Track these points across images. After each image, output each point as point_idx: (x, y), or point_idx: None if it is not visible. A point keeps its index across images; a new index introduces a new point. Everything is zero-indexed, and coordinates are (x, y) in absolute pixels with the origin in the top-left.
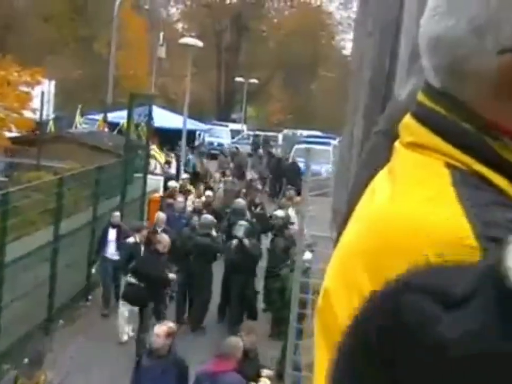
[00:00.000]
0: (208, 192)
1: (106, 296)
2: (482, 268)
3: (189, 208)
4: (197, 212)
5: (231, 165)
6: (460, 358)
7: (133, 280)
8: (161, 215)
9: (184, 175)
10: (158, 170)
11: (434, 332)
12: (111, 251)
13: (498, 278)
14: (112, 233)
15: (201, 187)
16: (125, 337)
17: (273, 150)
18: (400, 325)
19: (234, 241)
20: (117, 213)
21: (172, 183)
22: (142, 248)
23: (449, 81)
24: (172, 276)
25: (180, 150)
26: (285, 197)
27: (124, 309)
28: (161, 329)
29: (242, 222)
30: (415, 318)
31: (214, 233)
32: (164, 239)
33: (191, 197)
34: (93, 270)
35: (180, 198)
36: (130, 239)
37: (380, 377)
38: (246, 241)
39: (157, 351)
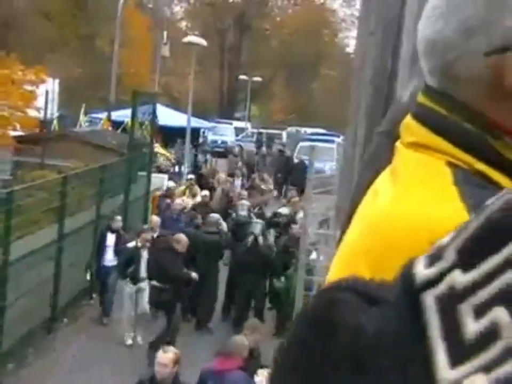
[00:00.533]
0: (205, 192)
1: (106, 304)
2: (398, 273)
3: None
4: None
5: (239, 164)
6: (373, 358)
7: (156, 283)
8: (155, 219)
9: (190, 176)
10: (170, 169)
11: (355, 318)
12: (109, 257)
13: (409, 283)
14: (110, 239)
15: (196, 187)
16: (130, 341)
17: (281, 148)
18: (329, 315)
19: (250, 239)
20: (119, 217)
21: (171, 183)
22: (143, 253)
23: (445, 83)
24: (194, 275)
25: (178, 147)
26: (286, 197)
27: (127, 313)
28: (166, 357)
29: (258, 221)
30: (342, 308)
31: (224, 229)
32: (183, 239)
33: (184, 197)
34: (88, 277)
35: (178, 200)
36: (131, 243)
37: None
38: (260, 239)
39: (163, 382)
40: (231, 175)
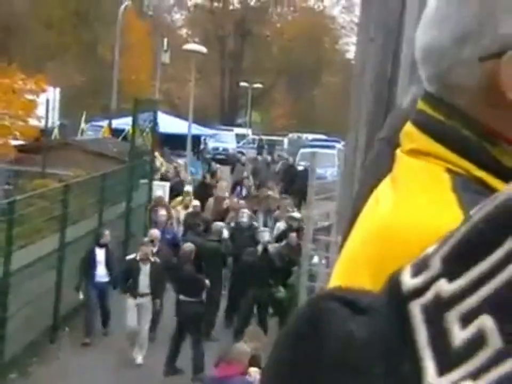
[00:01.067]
0: (195, 202)
1: (90, 322)
2: (385, 283)
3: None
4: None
5: (245, 173)
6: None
7: (183, 297)
8: (155, 233)
9: (187, 187)
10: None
11: (344, 326)
12: (100, 273)
13: (396, 292)
14: (100, 254)
15: (188, 198)
16: (140, 359)
17: (286, 156)
18: (318, 325)
19: (260, 247)
20: (107, 232)
21: (159, 193)
22: (143, 267)
23: (442, 90)
24: (207, 281)
25: (167, 157)
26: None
27: (130, 327)
28: None
29: (265, 229)
30: (330, 318)
31: (226, 237)
32: (193, 248)
33: (179, 208)
34: (81, 296)
35: (162, 211)
36: (130, 256)
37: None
38: (271, 247)
39: None
40: (238, 183)
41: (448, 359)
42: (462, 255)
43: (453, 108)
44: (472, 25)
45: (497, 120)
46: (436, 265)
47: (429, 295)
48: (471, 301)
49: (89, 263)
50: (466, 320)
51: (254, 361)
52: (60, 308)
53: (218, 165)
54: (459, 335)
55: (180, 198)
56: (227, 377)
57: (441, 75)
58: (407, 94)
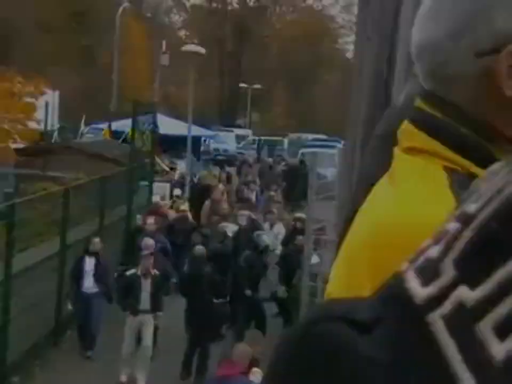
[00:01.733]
0: (183, 206)
1: (88, 335)
2: (384, 293)
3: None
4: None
5: (250, 176)
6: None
7: (216, 300)
8: (150, 242)
9: (176, 190)
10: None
11: (354, 351)
12: (88, 284)
13: (407, 303)
14: (89, 263)
15: (179, 201)
16: (124, 378)
17: (286, 157)
18: (329, 353)
19: (263, 250)
20: (97, 239)
21: (157, 198)
22: (144, 282)
23: (439, 87)
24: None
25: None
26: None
27: (127, 347)
28: None
29: (261, 232)
30: (334, 342)
31: (229, 240)
32: (203, 249)
33: (170, 211)
34: (69, 307)
35: (150, 220)
36: (131, 271)
37: None
38: (269, 250)
39: None
40: (245, 185)
41: (491, 375)
42: (478, 257)
43: (450, 105)
44: (468, 20)
45: (495, 117)
46: (449, 271)
47: (449, 305)
48: (503, 309)
49: (76, 273)
50: (503, 330)
51: (254, 363)
52: (61, 311)
53: (222, 167)
54: (499, 348)
55: (168, 202)
56: (229, 376)
57: (437, 71)
58: (402, 93)
